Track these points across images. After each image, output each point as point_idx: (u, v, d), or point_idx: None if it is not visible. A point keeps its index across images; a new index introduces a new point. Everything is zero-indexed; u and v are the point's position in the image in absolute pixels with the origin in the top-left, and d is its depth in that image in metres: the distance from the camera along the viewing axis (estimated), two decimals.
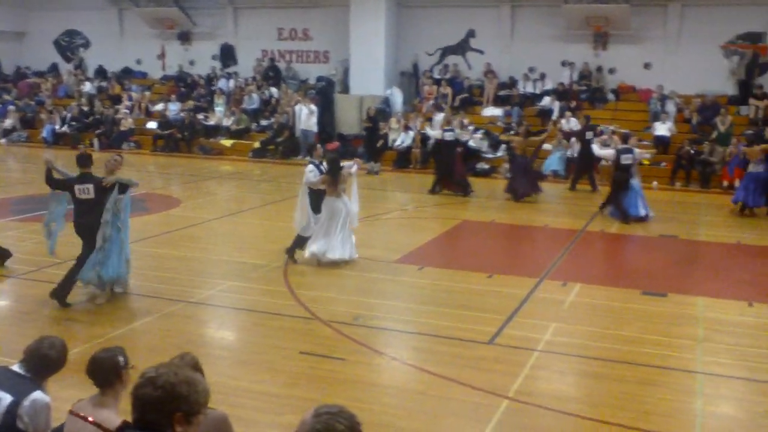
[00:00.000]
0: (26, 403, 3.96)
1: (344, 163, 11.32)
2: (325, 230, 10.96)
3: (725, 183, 19.47)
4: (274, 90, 26.59)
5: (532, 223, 14.76)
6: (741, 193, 16.13)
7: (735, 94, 22.84)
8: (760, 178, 15.79)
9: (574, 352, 7.86)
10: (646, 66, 24.07)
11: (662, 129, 21.59)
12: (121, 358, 4.01)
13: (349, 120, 25.21)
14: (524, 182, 17.02)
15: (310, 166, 11.33)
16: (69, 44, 31.65)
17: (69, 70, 31.05)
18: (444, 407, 6.44)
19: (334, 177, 10.89)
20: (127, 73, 30.54)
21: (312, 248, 11.03)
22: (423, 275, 10.74)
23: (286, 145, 24.30)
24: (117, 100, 28.36)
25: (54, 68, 31.71)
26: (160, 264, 10.95)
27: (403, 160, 22.50)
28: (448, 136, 18.14)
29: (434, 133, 19.42)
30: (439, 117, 21.31)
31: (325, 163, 11.18)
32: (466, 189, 17.80)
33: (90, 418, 3.84)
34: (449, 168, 18.05)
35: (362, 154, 21.38)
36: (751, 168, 16.00)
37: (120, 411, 3.86)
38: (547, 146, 21.92)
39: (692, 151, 20.26)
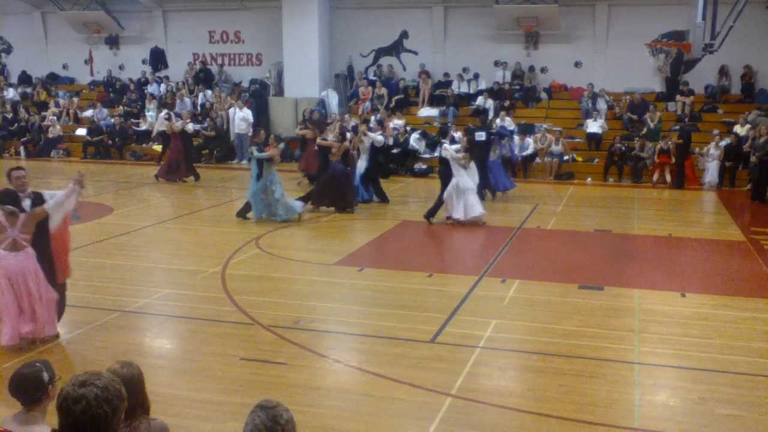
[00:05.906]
0: None
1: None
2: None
3: (655, 177, 20.12)
4: (208, 92, 26.20)
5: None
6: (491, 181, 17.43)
7: (662, 91, 23.50)
8: (497, 164, 17.69)
9: (514, 348, 7.94)
10: (577, 65, 24.61)
11: (594, 126, 22.10)
12: (45, 374, 3.81)
13: (284, 122, 25.04)
14: None
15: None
16: None
17: None
18: (388, 407, 6.42)
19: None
20: (53, 79, 29.73)
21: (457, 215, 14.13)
22: (363, 276, 10.72)
23: (220, 150, 24.00)
24: (43, 106, 27.56)
25: None
26: (94, 273, 10.65)
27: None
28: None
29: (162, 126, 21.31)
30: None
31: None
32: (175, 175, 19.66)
33: None
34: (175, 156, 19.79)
35: (299, 157, 21.24)
36: (492, 157, 17.41)
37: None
38: None
39: (623, 147, 20.79)
